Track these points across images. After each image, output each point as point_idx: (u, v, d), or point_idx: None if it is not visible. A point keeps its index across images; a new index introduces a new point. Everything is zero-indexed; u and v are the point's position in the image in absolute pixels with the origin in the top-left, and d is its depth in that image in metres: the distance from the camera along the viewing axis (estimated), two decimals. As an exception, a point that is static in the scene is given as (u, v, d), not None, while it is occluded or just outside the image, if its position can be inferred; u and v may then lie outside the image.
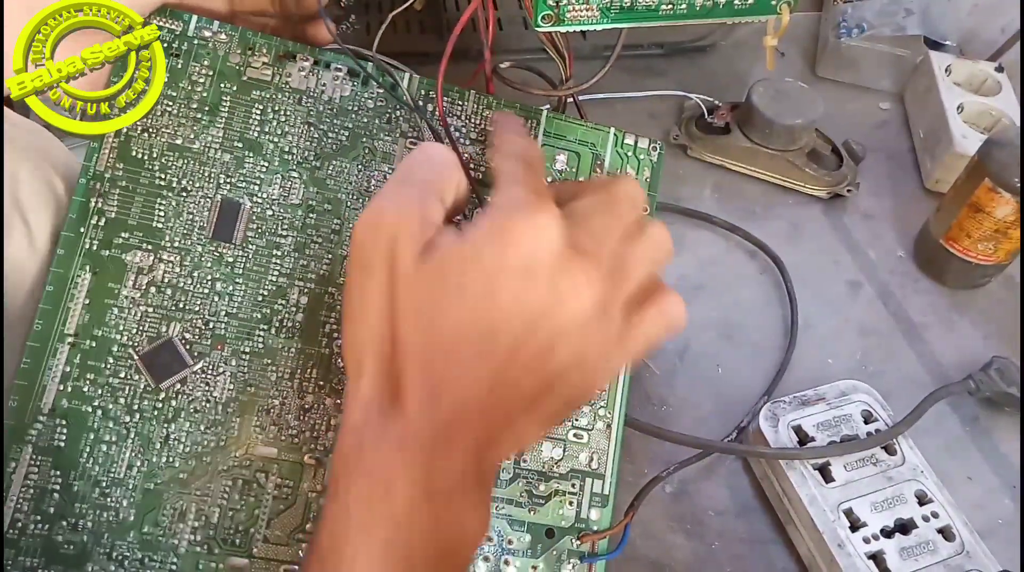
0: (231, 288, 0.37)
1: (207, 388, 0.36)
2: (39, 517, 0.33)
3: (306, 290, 0.38)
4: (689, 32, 0.68)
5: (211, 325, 0.36)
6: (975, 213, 0.53)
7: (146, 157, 0.37)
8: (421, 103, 0.41)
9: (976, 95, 0.65)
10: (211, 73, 0.38)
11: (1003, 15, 0.68)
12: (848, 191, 0.61)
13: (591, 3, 0.42)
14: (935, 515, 0.44)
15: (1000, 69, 0.66)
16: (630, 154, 0.45)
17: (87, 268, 0.35)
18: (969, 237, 0.54)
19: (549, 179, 0.42)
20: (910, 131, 0.67)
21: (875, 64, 0.69)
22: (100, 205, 0.36)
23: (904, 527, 0.44)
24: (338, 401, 0.37)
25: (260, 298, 0.37)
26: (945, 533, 0.44)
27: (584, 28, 0.43)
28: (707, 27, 0.68)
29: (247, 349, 0.37)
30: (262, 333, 0.37)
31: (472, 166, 0.41)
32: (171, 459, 0.35)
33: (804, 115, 0.59)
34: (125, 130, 0.37)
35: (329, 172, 0.39)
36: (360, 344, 0.30)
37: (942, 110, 0.63)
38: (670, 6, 0.44)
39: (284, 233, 0.38)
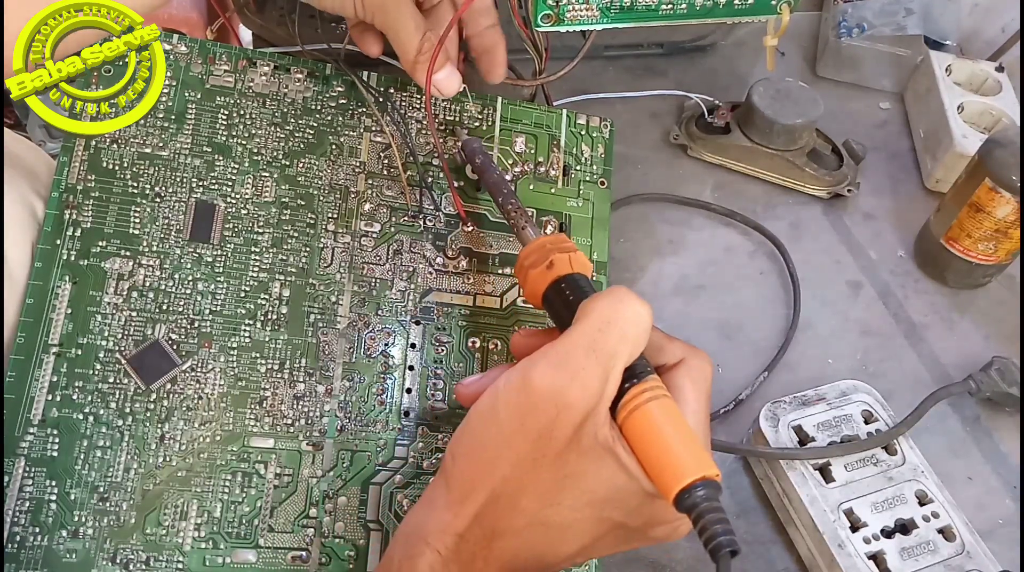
0: (213, 286, 0.37)
1: (198, 385, 0.36)
2: (37, 528, 0.33)
3: (287, 283, 0.39)
4: (689, 32, 0.68)
5: (196, 324, 0.37)
6: (975, 213, 0.53)
7: (117, 167, 0.38)
8: (381, 100, 0.42)
9: (976, 95, 0.65)
10: (175, 83, 0.39)
11: (1003, 15, 0.68)
12: (848, 191, 0.61)
13: (591, 3, 0.42)
14: (935, 515, 0.44)
15: (1000, 69, 0.66)
16: (583, 133, 0.46)
17: (66, 278, 0.36)
18: (969, 237, 0.54)
19: (510, 162, 0.44)
20: (910, 131, 0.67)
21: (875, 64, 0.69)
22: (74, 216, 0.36)
23: (904, 527, 0.44)
24: (329, 388, 0.38)
25: (243, 294, 0.38)
26: (945, 533, 0.44)
27: (584, 28, 0.43)
28: (707, 27, 0.68)
29: (234, 344, 0.37)
30: (248, 327, 0.37)
31: (435, 154, 0.43)
32: (168, 458, 0.35)
33: (804, 115, 0.59)
34: (94, 142, 0.37)
35: (299, 169, 0.40)
36: (478, 478, 0.29)
37: (942, 110, 0.62)
38: (670, 6, 0.44)
39: (260, 230, 0.39)
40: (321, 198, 0.40)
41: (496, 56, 0.42)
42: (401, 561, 0.30)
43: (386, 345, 0.39)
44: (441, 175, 0.43)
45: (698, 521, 0.27)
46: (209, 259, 0.38)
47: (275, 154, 0.40)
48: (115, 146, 0.38)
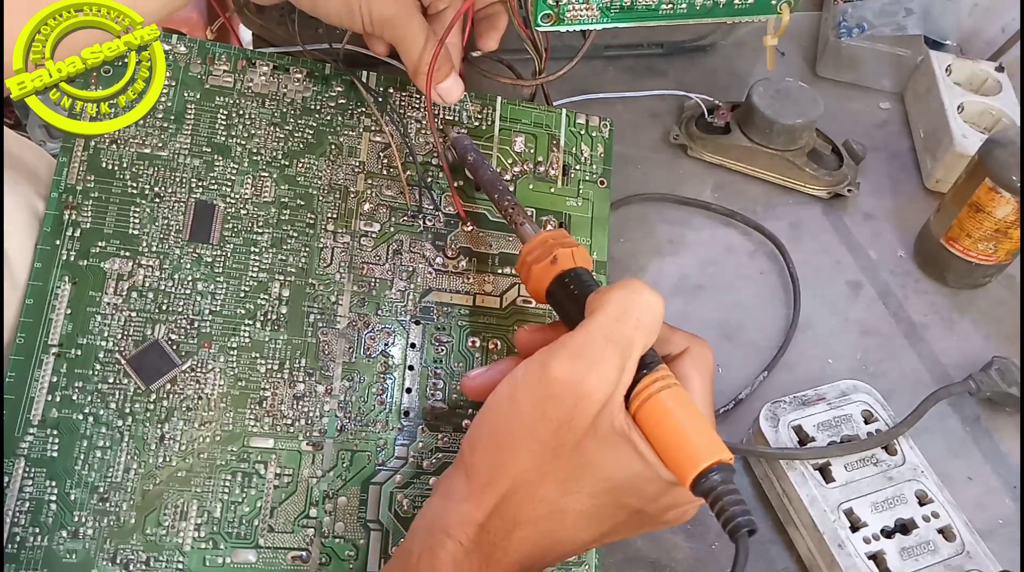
0: (212, 287, 0.37)
1: (198, 386, 0.36)
2: (37, 529, 0.33)
3: (287, 283, 0.39)
4: (689, 32, 0.68)
5: (196, 324, 0.37)
6: (975, 213, 0.53)
7: (116, 167, 0.38)
8: (380, 100, 0.42)
9: (976, 95, 0.65)
10: (174, 83, 0.39)
11: (1003, 15, 0.68)
12: (848, 191, 0.61)
13: (591, 2, 0.42)
14: (935, 515, 0.44)
15: (1000, 69, 0.66)
16: (583, 132, 0.46)
17: (66, 278, 0.36)
18: (969, 237, 0.54)
19: (509, 161, 0.44)
20: (910, 131, 0.67)
21: (875, 64, 0.69)
22: (74, 217, 0.36)
23: (904, 527, 0.44)
24: (329, 388, 0.38)
25: (242, 294, 0.38)
26: (945, 533, 0.43)
27: (584, 27, 0.43)
28: (707, 27, 0.68)
29: (234, 344, 0.37)
30: (247, 328, 0.37)
31: (435, 154, 0.43)
32: (168, 458, 0.35)
33: (804, 115, 0.59)
34: (94, 143, 0.37)
35: (298, 169, 0.40)
36: (499, 468, 0.30)
37: (942, 110, 0.62)
38: (670, 6, 0.44)
39: (260, 230, 0.39)
40: (320, 198, 0.40)
41: (494, 22, 0.42)
42: (421, 553, 0.30)
43: (386, 345, 0.39)
44: (441, 175, 0.43)
45: (716, 504, 0.28)
46: (209, 259, 0.38)
47: (274, 154, 0.40)
48: (114, 146, 0.38)
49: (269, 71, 0.41)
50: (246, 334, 0.37)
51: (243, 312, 0.38)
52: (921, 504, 0.44)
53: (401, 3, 0.38)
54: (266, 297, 0.38)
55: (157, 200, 0.38)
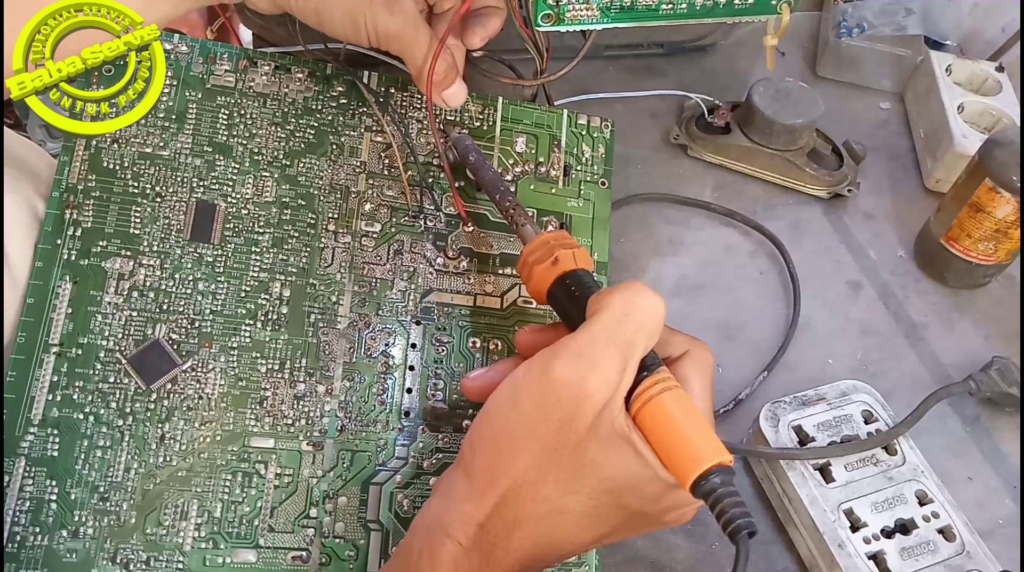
0: (213, 286, 0.37)
1: (198, 385, 0.36)
2: (38, 528, 0.33)
3: (288, 283, 0.39)
4: (689, 32, 0.68)
5: (197, 324, 0.37)
6: (975, 213, 0.53)
7: (117, 167, 0.38)
8: (382, 100, 0.42)
9: (976, 95, 0.65)
10: (175, 83, 0.39)
11: (1003, 15, 0.68)
12: (848, 191, 0.61)
13: (591, 2, 0.42)
14: (935, 515, 0.44)
15: (1000, 69, 0.66)
16: (584, 133, 0.46)
17: (67, 278, 0.36)
18: (969, 237, 0.54)
19: (510, 162, 0.44)
20: (911, 131, 0.67)
21: (875, 64, 0.69)
22: (75, 216, 0.36)
23: (904, 527, 0.44)
24: (330, 388, 0.38)
25: (243, 294, 0.38)
26: (945, 533, 0.44)
27: (584, 27, 0.43)
28: (707, 27, 0.68)
29: (235, 344, 0.37)
30: (248, 327, 0.37)
31: (436, 154, 0.43)
32: (168, 458, 0.35)
33: (804, 115, 0.59)
34: (95, 142, 0.37)
35: (300, 169, 0.40)
36: (499, 468, 0.30)
37: (942, 110, 0.62)
38: (670, 6, 0.44)
39: (261, 230, 0.39)
40: (322, 198, 0.40)
41: (484, 21, 0.42)
42: (421, 552, 0.30)
43: (386, 345, 0.39)
44: (442, 175, 0.43)
45: (716, 506, 0.28)
46: (210, 259, 0.38)
47: (276, 154, 0.40)
48: (116, 146, 0.38)
49: (270, 71, 0.41)
50: (247, 334, 0.37)
51: (244, 312, 0.38)
52: (921, 504, 0.44)
53: (406, 16, 0.38)
54: (267, 297, 0.38)
55: (158, 200, 0.38)
